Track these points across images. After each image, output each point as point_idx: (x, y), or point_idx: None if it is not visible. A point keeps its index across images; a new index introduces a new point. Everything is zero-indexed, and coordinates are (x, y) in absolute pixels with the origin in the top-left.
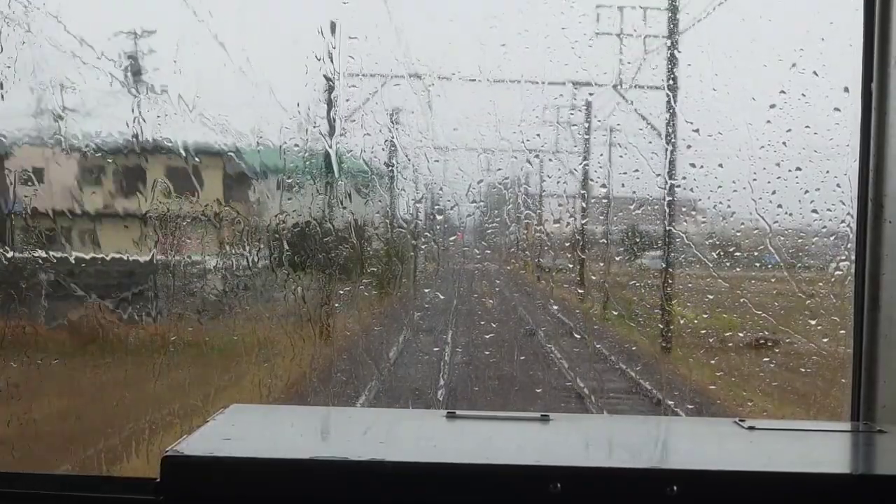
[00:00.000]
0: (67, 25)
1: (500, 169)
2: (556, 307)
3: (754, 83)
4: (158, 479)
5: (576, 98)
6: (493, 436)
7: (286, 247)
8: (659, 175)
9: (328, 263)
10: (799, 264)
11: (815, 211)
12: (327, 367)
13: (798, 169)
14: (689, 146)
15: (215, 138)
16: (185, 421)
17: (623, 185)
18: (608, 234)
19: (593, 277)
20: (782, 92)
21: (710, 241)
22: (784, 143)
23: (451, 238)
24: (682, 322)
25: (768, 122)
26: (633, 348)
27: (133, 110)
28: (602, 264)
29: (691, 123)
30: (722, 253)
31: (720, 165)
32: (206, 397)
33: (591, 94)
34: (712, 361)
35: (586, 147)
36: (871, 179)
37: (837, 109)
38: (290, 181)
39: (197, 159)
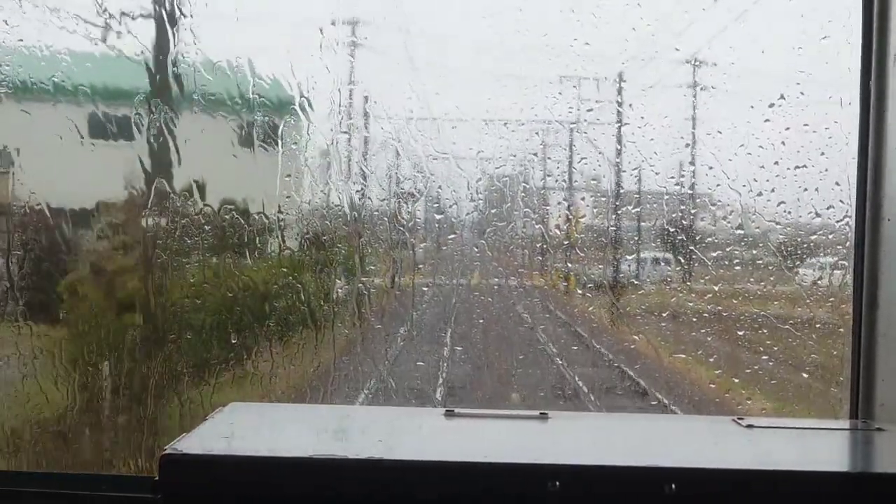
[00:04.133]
0: None
1: (501, 166)
2: None
3: (753, 81)
4: (157, 478)
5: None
6: (492, 434)
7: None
8: (659, 173)
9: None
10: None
11: (813, 209)
12: None
13: (797, 167)
14: (687, 144)
15: None
16: None
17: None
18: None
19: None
20: (780, 92)
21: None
22: (783, 143)
23: (451, 236)
24: None
25: (767, 120)
26: None
27: None
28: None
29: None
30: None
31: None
32: None
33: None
34: None
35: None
36: (870, 178)
37: (837, 106)
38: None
39: None
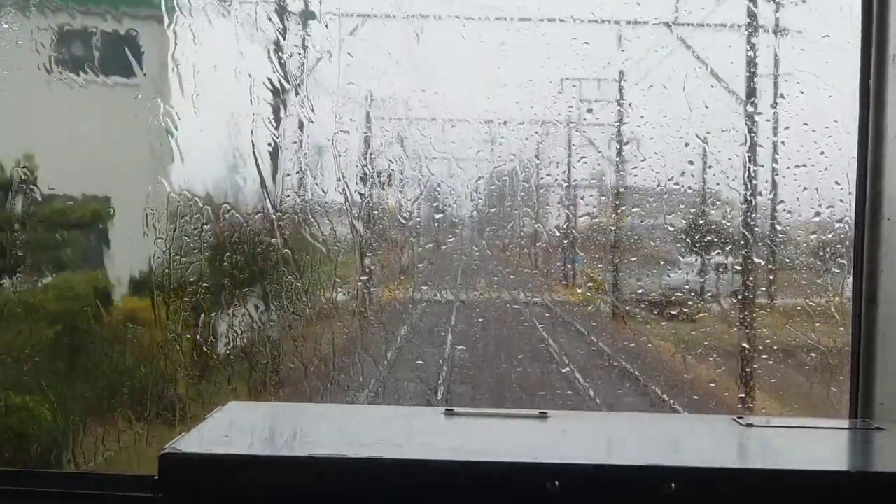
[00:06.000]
0: None
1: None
2: None
3: (752, 81)
4: (156, 477)
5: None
6: (492, 433)
7: None
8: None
9: None
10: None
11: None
12: None
13: (797, 167)
14: (686, 144)
15: None
16: None
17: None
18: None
19: None
20: (780, 92)
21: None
22: (783, 142)
23: (450, 238)
24: None
25: (767, 120)
26: None
27: None
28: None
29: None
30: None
31: (714, 163)
32: None
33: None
34: None
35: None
36: (869, 177)
37: (836, 105)
38: None
39: None
